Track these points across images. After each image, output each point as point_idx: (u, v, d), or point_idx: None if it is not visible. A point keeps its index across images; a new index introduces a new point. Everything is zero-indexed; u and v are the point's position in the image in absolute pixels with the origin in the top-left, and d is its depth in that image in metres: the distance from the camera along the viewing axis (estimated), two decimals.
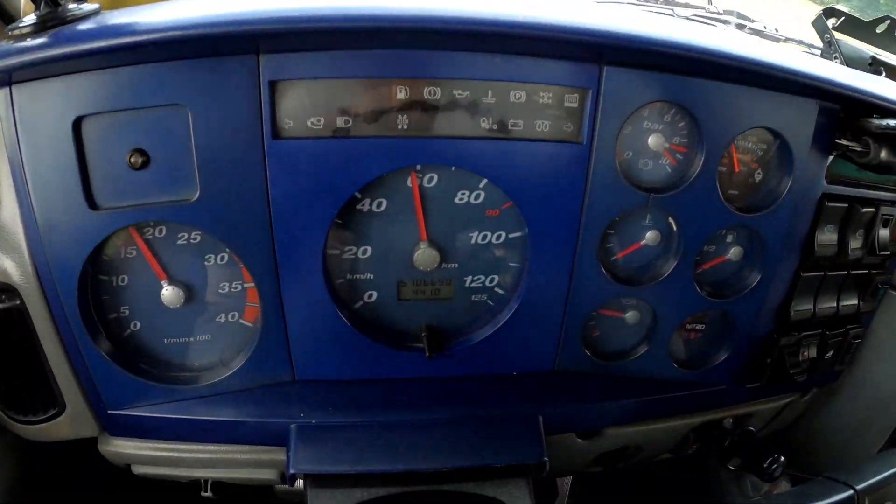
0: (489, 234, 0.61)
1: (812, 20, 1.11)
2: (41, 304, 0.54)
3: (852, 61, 1.00)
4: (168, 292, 0.56)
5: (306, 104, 0.51)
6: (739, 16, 1.30)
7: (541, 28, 0.50)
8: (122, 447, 0.63)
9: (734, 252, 0.67)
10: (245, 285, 0.59)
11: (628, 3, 1.21)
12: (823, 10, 1.10)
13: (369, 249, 0.59)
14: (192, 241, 0.56)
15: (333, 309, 0.60)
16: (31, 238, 0.52)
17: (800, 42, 1.16)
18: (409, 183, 0.56)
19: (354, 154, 0.53)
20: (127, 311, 0.57)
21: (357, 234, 0.58)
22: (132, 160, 0.50)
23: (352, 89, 0.51)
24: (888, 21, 1.09)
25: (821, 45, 1.07)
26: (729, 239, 0.68)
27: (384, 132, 0.53)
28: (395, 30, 0.49)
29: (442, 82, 0.53)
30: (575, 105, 0.55)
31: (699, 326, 0.72)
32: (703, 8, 1.30)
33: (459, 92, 0.53)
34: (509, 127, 0.54)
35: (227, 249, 0.57)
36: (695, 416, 0.74)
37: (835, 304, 0.74)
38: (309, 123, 0.51)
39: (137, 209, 0.51)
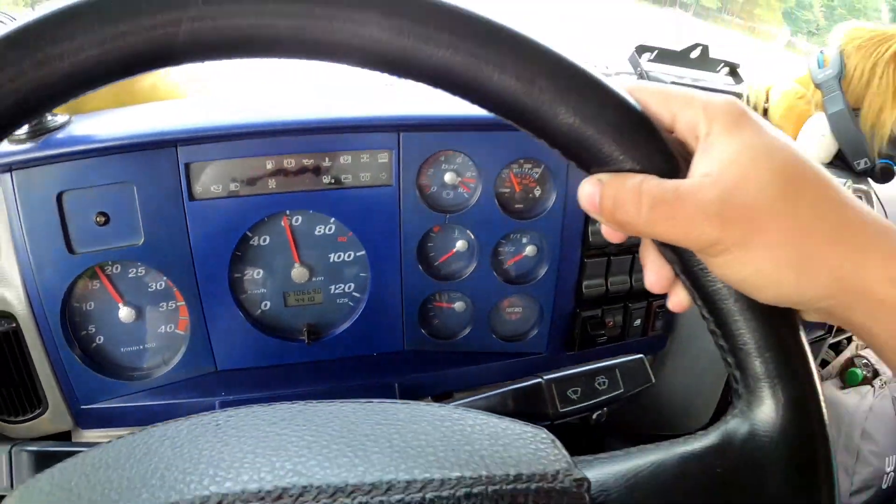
0: (342, 254, 0.85)
1: (628, 56, 1.31)
2: (32, 326, 0.77)
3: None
4: (123, 312, 0.80)
5: (209, 176, 0.77)
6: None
7: (353, 122, 0.80)
8: (91, 437, 0.86)
9: (529, 249, 0.92)
10: (178, 304, 0.82)
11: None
12: (636, 47, 1.31)
13: (261, 272, 0.84)
14: (139, 274, 0.80)
15: (241, 316, 0.83)
16: (25, 276, 0.75)
17: (629, 73, 1.33)
18: (282, 223, 0.83)
19: (243, 207, 0.79)
20: (93, 328, 0.81)
21: (252, 262, 0.84)
22: (97, 219, 0.74)
23: (239, 165, 0.78)
24: (700, 47, 1.33)
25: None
26: (524, 240, 0.92)
27: (261, 191, 0.80)
28: (265, 132, 0.77)
29: (296, 156, 0.79)
30: (386, 160, 0.82)
31: (517, 309, 0.97)
32: None
33: (307, 161, 0.80)
34: (342, 180, 0.82)
35: (165, 278, 0.80)
36: (522, 380, 0.98)
37: (628, 281, 0.99)
38: (212, 189, 0.78)
39: (101, 253, 0.76)
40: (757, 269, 0.33)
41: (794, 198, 0.33)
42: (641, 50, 1.26)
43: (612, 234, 0.39)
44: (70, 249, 0.76)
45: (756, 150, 0.34)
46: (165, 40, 0.29)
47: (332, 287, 0.88)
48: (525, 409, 0.95)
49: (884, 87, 1.21)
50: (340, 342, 0.90)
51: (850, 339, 1.87)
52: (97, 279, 0.80)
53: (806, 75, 1.29)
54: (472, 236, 0.90)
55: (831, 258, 0.33)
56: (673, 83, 1.21)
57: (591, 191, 0.35)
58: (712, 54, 1.34)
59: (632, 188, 0.34)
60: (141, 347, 0.85)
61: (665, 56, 1.29)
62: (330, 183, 0.82)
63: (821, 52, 1.29)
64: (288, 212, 0.83)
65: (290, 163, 0.80)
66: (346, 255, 0.87)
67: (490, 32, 0.32)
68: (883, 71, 1.20)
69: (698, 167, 0.34)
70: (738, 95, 1.34)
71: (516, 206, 0.92)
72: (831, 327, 1.55)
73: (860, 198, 1.23)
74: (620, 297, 1.00)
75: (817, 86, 1.26)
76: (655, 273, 0.40)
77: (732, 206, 0.33)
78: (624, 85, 0.36)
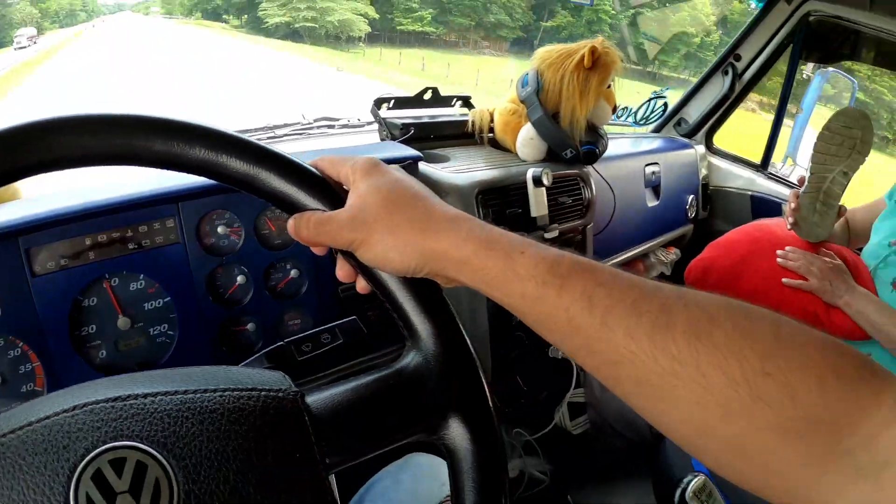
0: (153, 301, 1.07)
1: (370, 109, 1.56)
2: None
3: (396, 128, 1.54)
4: None
5: (44, 256, 0.97)
6: (327, 119, 1.67)
7: (141, 199, 1.03)
8: None
9: (293, 272, 1.19)
10: (34, 364, 0.98)
11: (236, 132, 1.59)
12: (375, 100, 1.55)
13: (95, 326, 1.03)
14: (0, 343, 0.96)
15: (85, 366, 1.01)
16: None
17: (378, 123, 1.58)
18: (104, 285, 1.03)
19: (72, 277, 0.99)
20: None
21: (86, 320, 1.03)
22: None
23: (66, 244, 0.98)
24: (430, 90, 1.60)
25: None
26: (288, 266, 1.19)
27: (84, 262, 1.00)
28: (80, 216, 0.97)
29: (106, 231, 1.01)
30: (172, 225, 1.06)
31: (297, 320, 1.22)
32: (298, 123, 1.63)
33: (115, 234, 1.03)
34: (143, 244, 1.05)
35: (21, 344, 0.96)
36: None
37: None
38: (48, 265, 0.93)
39: None
40: (376, 254, 0.56)
41: (393, 211, 0.55)
42: (380, 102, 1.56)
43: (317, 250, 0.63)
44: None
45: (374, 187, 0.57)
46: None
47: (151, 329, 1.09)
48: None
49: (572, 91, 1.58)
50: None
51: None
52: None
53: (515, 95, 1.66)
54: (246, 270, 1.16)
55: (419, 242, 0.54)
56: (409, 123, 1.54)
57: (290, 224, 0.59)
58: (444, 93, 1.68)
59: (306, 219, 0.58)
60: (9, 409, 1.04)
61: (402, 103, 1.59)
62: (134, 248, 1.05)
63: (526, 73, 1.65)
64: (107, 275, 1.03)
65: (102, 237, 1.02)
66: (157, 302, 1.08)
67: (237, 144, 0.57)
68: (569, 79, 1.57)
69: (348, 200, 0.58)
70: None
71: (276, 241, 1.19)
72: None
73: (578, 180, 1.61)
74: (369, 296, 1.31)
75: (522, 101, 1.63)
76: (341, 269, 0.63)
77: (357, 220, 0.56)
78: (311, 160, 0.62)
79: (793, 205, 1.71)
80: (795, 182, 2.49)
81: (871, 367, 0.44)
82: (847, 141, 1.62)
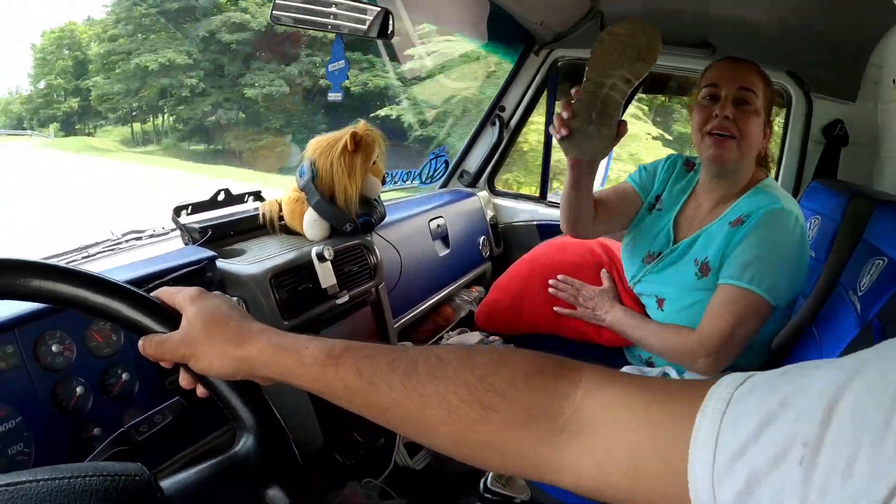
0: (7, 423, 1.10)
1: (171, 217, 1.72)
2: None
3: (195, 232, 1.72)
4: None
5: None
6: (134, 231, 1.79)
7: None
8: None
9: (125, 375, 1.31)
10: None
11: (52, 257, 1.57)
12: (174, 208, 1.71)
13: None
14: None
15: None
16: None
17: (179, 230, 1.76)
18: None
19: None
20: None
21: None
22: None
23: None
24: (223, 191, 1.83)
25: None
26: (119, 370, 1.31)
27: None
28: None
29: None
30: (12, 350, 1.15)
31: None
32: (108, 239, 1.72)
33: None
34: None
35: None
36: None
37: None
38: None
39: None
40: (202, 364, 0.72)
41: (213, 330, 0.72)
42: (179, 209, 1.75)
43: (164, 364, 0.76)
44: None
45: (198, 311, 0.74)
46: None
47: (9, 449, 1.12)
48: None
49: (341, 173, 1.89)
50: None
51: (441, 338, 2.58)
52: None
53: (296, 184, 1.95)
54: (84, 380, 1.25)
55: (233, 352, 0.71)
56: (206, 226, 1.77)
57: (140, 344, 0.74)
58: (235, 192, 1.93)
59: (150, 340, 0.74)
60: None
61: (199, 207, 1.81)
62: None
63: (302, 164, 1.94)
64: None
65: None
66: (10, 423, 1.13)
67: (98, 283, 0.72)
68: (338, 163, 1.88)
69: (181, 323, 0.74)
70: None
71: (104, 350, 1.31)
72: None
73: (361, 248, 1.90)
74: None
75: (302, 189, 1.93)
76: (183, 378, 0.78)
77: (186, 338, 0.72)
78: (156, 290, 0.79)
79: (565, 114, 1.55)
80: None
81: (567, 363, 0.59)
82: (630, 49, 1.49)
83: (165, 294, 0.80)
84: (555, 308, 1.99)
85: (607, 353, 1.96)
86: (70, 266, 0.75)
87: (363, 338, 1.99)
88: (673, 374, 1.71)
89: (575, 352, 1.85)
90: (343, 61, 2.25)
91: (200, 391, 0.79)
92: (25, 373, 1.17)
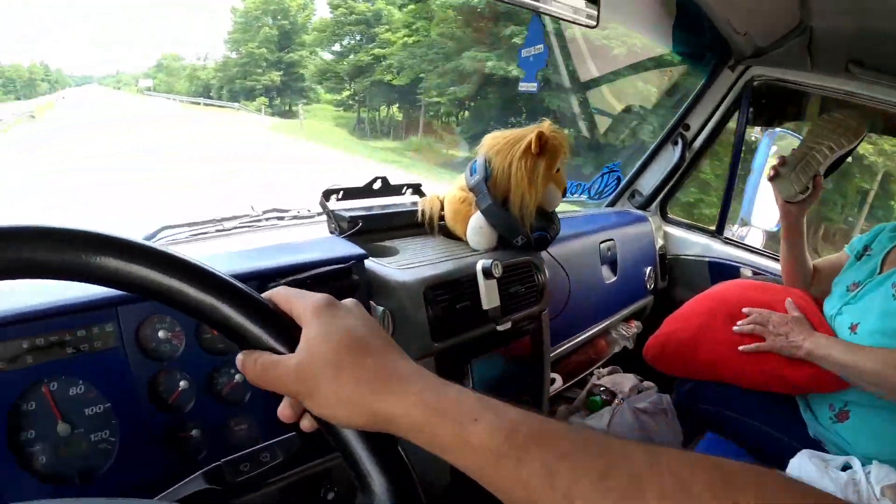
0: (94, 407, 1.04)
1: (319, 201, 1.56)
2: None
3: (344, 221, 1.54)
4: None
5: None
6: (277, 211, 1.69)
7: (79, 304, 1.03)
8: None
9: (238, 377, 1.19)
10: None
11: (185, 227, 1.54)
12: (323, 192, 1.56)
13: (33, 431, 1.02)
14: None
15: (24, 472, 1.00)
16: None
17: (326, 216, 1.59)
18: (42, 390, 1.03)
19: (8, 381, 0.98)
20: None
21: (24, 425, 1.01)
22: None
23: (1, 347, 0.99)
24: (379, 179, 1.62)
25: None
26: (233, 371, 1.18)
27: (20, 366, 1.00)
28: (15, 320, 0.97)
29: (43, 334, 0.96)
30: (111, 329, 1.06)
31: (243, 426, 1.20)
32: (246, 215, 1.65)
33: (53, 337, 1.01)
34: (81, 348, 1.03)
35: None
36: None
37: None
38: None
39: None
40: (322, 409, 0.55)
41: (341, 367, 0.54)
42: (328, 193, 1.58)
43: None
44: None
45: (324, 334, 0.56)
46: None
47: (92, 436, 1.06)
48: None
49: (520, 178, 1.61)
50: (109, 478, 1.09)
51: (591, 374, 2.31)
52: None
53: (465, 182, 1.69)
54: (189, 375, 1.14)
55: (367, 403, 0.53)
56: (357, 216, 1.56)
57: (239, 359, 0.59)
58: (393, 182, 1.70)
59: (254, 360, 0.58)
60: None
61: (351, 193, 1.62)
62: (73, 352, 1.03)
63: (474, 161, 1.69)
64: (45, 379, 1.01)
65: (40, 341, 1.00)
66: (97, 408, 1.06)
67: (190, 270, 0.57)
68: (518, 166, 1.61)
69: (299, 344, 0.57)
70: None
71: (218, 345, 1.18)
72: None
73: (530, 267, 1.63)
74: None
75: (471, 189, 1.66)
76: (284, 410, 0.62)
77: (303, 371, 0.55)
78: (270, 291, 0.61)
79: (779, 160, 1.86)
80: (751, 244, 2.63)
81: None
82: (840, 129, 1.79)
83: (282, 297, 0.62)
84: (741, 347, 1.80)
85: (791, 409, 1.85)
86: (153, 245, 0.58)
87: (515, 372, 1.74)
88: (856, 465, 1.52)
89: (756, 406, 1.87)
90: (542, 45, 1.91)
91: (305, 425, 0.63)
92: (123, 356, 1.08)
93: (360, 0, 35.06)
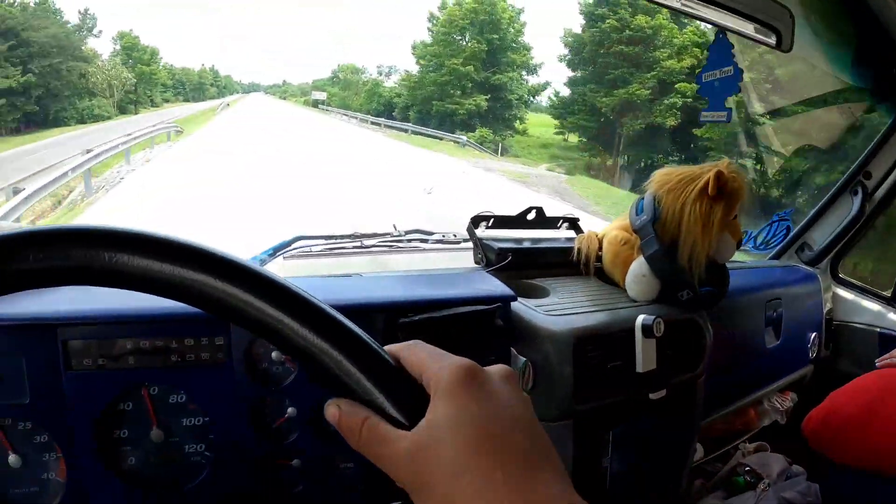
0: (193, 419, 1.02)
1: (466, 227, 1.45)
2: None
3: (492, 252, 1.42)
4: (12, 458, 0.95)
5: (82, 352, 0.96)
6: (420, 232, 1.59)
7: (191, 312, 1.02)
8: None
9: None
10: (58, 455, 0.97)
11: (322, 240, 1.50)
12: (472, 218, 1.45)
13: (126, 432, 1.00)
14: (26, 427, 0.96)
15: (108, 470, 0.99)
16: None
17: (473, 244, 1.48)
18: (142, 392, 1.00)
19: (110, 378, 0.97)
20: None
21: (118, 424, 1.00)
22: None
23: (106, 344, 0.97)
24: (535, 209, 1.49)
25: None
26: None
27: (123, 366, 0.98)
28: (124, 320, 0.97)
29: (150, 338, 0.97)
30: (221, 342, 1.01)
31: (350, 464, 1.14)
32: (388, 234, 1.57)
33: (159, 342, 0.99)
34: (187, 358, 1.00)
35: (47, 433, 0.96)
36: None
37: None
38: (84, 362, 0.96)
39: None
40: None
41: (464, 471, 0.42)
42: (478, 220, 1.44)
43: None
44: None
45: (456, 421, 0.44)
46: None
47: (186, 446, 1.04)
48: None
49: (693, 222, 1.39)
50: (196, 493, 1.06)
51: (736, 448, 2.04)
52: None
53: (628, 221, 1.49)
54: (298, 403, 1.08)
55: None
56: (507, 249, 1.41)
57: (331, 410, 0.49)
58: (548, 213, 1.54)
59: (358, 422, 0.48)
60: (28, 490, 1.00)
61: (502, 222, 1.47)
62: (177, 360, 1.01)
63: (641, 198, 1.48)
64: (146, 383, 1.01)
65: (145, 344, 1.00)
66: (196, 420, 1.04)
67: (300, 304, 0.49)
68: (691, 209, 1.39)
69: (421, 422, 0.46)
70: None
71: None
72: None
73: (693, 326, 1.41)
74: None
75: (636, 231, 1.45)
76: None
77: (419, 460, 0.44)
78: (395, 346, 0.51)
79: None
80: None
81: None
82: None
83: (413, 357, 0.51)
84: None
85: None
86: (259, 269, 0.51)
87: (657, 439, 1.52)
88: None
89: None
90: (731, 67, 1.68)
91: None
92: (230, 373, 1.04)
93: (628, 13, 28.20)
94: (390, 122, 35.56)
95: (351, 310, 1.02)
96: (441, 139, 28.86)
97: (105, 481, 1.02)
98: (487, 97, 34.38)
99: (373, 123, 37.65)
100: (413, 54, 39.92)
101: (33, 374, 0.94)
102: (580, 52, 30.28)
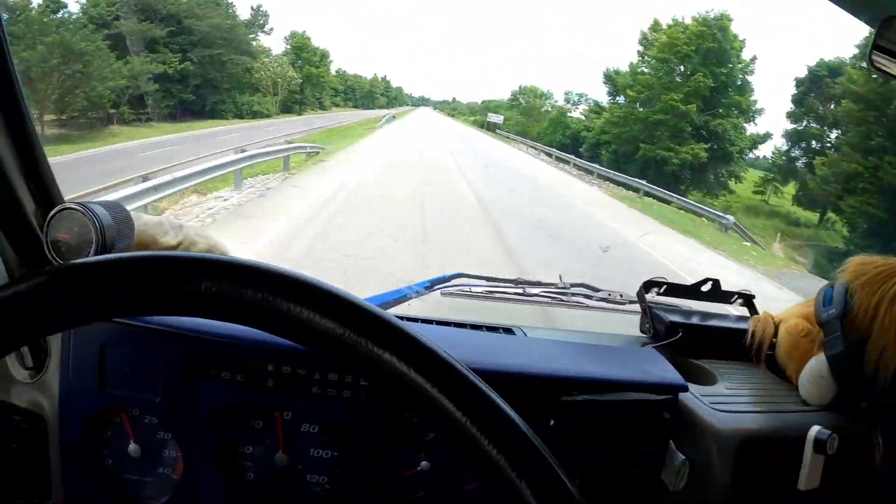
0: (321, 451, 1.00)
1: (637, 291, 1.37)
2: (56, 432, 0.98)
3: (661, 324, 1.32)
4: (132, 447, 0.98)
5: (220, 364, 0.97)
6: (586, 287, 1.52)
7: None
8: None
9: None
10: (177, 454, 1.00)
11: (483, 281, 1.46)
12: (644, 283, 1.36)
13: (251, 448, 1.00)
14: (152, 422, 0.99)
15: (223, 480, 0.99)
16: (62, 394, 0.98)
17: (642, 311, 1.38)
18: (274, 414, 0.99)
19: (244, 394, 0.97)
20: (106, 452, 1.01)
21: (244, 439, 1.00)
22: (127, 372, 0.98)
23: (246, 362, 0.97)
24: (711, 282, 1.37)
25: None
26: None
27: (259, 386, 0.97)
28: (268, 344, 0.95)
29: (292, 365, 0.97)
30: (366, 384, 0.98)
31: None
32: (553, 284, 1.51)
33: (301, 371, 0.97)
34: (327, 393, 0.98)
35: (170, 433, 0.99)
36: None
37: None
38: (221, 374, 0.97)
39: (123, 397, 0.98)
40: None
41: None
42: (649, 285, 1.34)
43: None
44: (100, 387, 0.97)
45: None
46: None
47: (309, 476, 1.02)
48: None
49: (888, 324, 1.21)
50: None
51: None
52: (118, 416, 1.00)
53: (812, 310, 1.32)
54: (433, 458, 1.03)
55: None
56: (677, 323, 1.29)
57: None
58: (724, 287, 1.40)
59: None
60: (140, 479, 1.02)
61: (675, 290, 1.36)
62: (317, 393, 0.98)
63: (830, 286, 1.31)
64: (281, 407, 1.00)
65: (286, 370, 0.98)
66: (325, 453, 1.01)
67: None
68: (887, 309, 1.21)
69: None
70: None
71: None
72: None
73: (866, 443, 1.24)
74: None
75: (821, 325, 1.29)
76: None
77: None
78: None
79: None
80: None
81: None
82: None
83: None
84: None
85: None
86: (427, 342, 0.49)
87: None
88: None
89: None
90: None
91: None
92: (370, 416, 1.02)
93: None
94: (590, 165, 25.50)
95: (511, 378, 0.99)
96: (700, 215, 18.00)
97: (218, 490, 1.01)
98: (707, 146, 26.39)
99: (558, 159, 29.03)
100: (610, 82, 32.03)
101: (169, 375, 0.97)
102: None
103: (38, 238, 0.94)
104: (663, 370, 1.11)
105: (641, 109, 28.70)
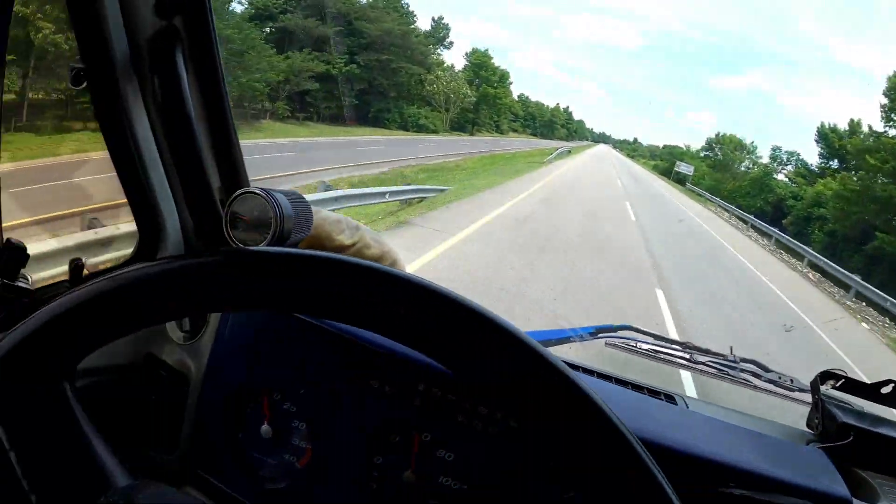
0: (450, 480, 0.95)
1: (811, 381, 1.25)
2: (196, 398, 1.02)
3: (833, 423, 1.18)
4: (265, 428, 1.00)
5: (372, 373, 0.97)
6: (756, 364, 1.41)
7: None
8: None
9: None
10: (307, 445, 1.01)
11: (651, 339, 1.38)
12: (820, 373, 1.24)
13: (381, 459, 0.98)
14: (291, 409, 1.00)
15: (344, 479, 0.99)
16: (210, 365, 1.02)
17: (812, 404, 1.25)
18: (413, 435, 0.96)
19: (390, 408, 0.96)
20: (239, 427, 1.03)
21: (378, 449, 0.98)
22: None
23: (398, 375, 0.95)
24: (892, 384, 1.22)
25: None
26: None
27: (407, 405, 0.95)
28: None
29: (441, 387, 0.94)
30: (515, 426, 0.93)
31: None
32: (722, 355, 1.41)
33: (451, 396, 0.93)
34: (474, 425, 0.93)
35: (306, 425, 1.00)
36: None
37: None
38: (371, 383, 0.96)
39: (269, 381, 1.01)
40: None
41: None
42: (826, 377, 1.23)
43: None
44: (249, 365, 1.00)
45: None
46: None
47: (432, 501, 0.99)
48: None
49: None
50: None
51: None
52: (260, 396, 1.01)
53: None
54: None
55: None
56: (851, 426, 1.17)
57: None
58: None
59: None
60: (266, 460, 1.03)
61: (853, 387, 1.24)
62: (462, 422, 0.94)
63: None
64: (422, 429, 0.97)
65: (436, 391, 0.95)
66: (454, 483, 0.97)
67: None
68: None
69: None
70: None
71: None
72: None
73: None
74: None
75: None
76: None
77: None
78: None
79: None
80: None
81: None
82: None
83: None
84: None
85: None
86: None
87: None
88: None
89: None
90: None
91: None
92: (513, 458, 0.96)
93: None
94: (800, 247, 19.75)
95: (671, 454, 0.93)
96: None
97: (336, 490, 1.01)
98: None
99: (755, 228, 23.81)
100: (824, 141, 25.13)
101: (319, 371, 0.98)
102: None
103: (218, 214, 0.94)
104: (831, 479, 1.00)
105: (884, 182, 21.54)
